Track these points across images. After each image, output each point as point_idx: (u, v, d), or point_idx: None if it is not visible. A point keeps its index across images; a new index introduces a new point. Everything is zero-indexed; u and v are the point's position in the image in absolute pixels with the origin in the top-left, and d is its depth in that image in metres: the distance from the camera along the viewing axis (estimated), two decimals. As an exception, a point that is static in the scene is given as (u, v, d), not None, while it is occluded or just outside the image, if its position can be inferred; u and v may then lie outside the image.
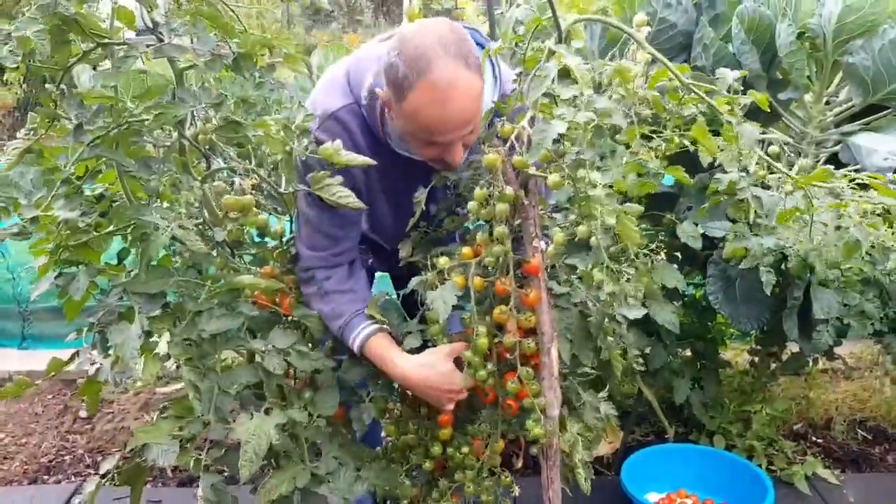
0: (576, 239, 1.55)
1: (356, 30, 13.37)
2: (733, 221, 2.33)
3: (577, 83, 1.40)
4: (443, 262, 1.69)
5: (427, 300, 1.65)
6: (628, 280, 1.50)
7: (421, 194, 1.77)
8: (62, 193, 1.55)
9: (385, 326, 1.82)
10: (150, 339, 1.62)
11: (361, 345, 1.79)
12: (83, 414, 3.54)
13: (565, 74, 1.45)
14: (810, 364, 2.92)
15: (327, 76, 1.83)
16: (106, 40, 1.48)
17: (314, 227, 1.80)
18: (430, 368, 1.72)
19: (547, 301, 1.64)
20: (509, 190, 1.55)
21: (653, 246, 1.63)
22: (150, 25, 1.53)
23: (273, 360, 1.69)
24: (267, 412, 1.64)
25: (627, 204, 1.45)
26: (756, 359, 3.03)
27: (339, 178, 1.69)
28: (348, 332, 1.80)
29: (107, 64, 1.51)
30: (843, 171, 2.08)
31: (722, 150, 1.72)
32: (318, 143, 1.68)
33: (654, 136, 1.58)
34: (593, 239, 1.43)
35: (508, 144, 1.49)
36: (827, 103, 2.69)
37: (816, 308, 2.27)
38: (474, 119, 1.62)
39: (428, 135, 1.61)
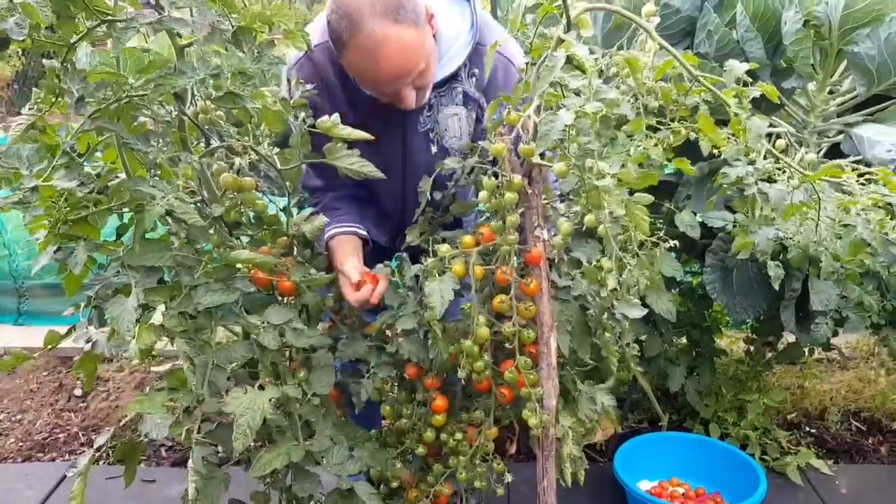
0: (583, 229, 1.54)
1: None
2: (732, 211, 2.31)
3: (583, 72, 1.38)
4: (444, 250, 1.68)
5: (425, 291, 1.65)
6: (630, 271, 1.49)
7: (426, 183, 1.80)
8: (62, 164, 1.55)
9: (361, 232, 1.97)
10: (146, 313, 1.61)
11: (331, 237, 1.94)
12: (78, 392, 3.54)
13: (570, 62, 1.44)
14: (806, 354, 2.92)
15: (317, 18, 1.89)
16: (110, 17, 1.46)
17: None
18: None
19: (548, 291, 1.63)
20: (517, 178, 1.54)
21: (657, 236, 1.62)
22: (153, 1, 1.51)
23: (268, 336, 1.69)
24: (261, 388, 1.64)
25: (637, 194, 1.44)
26: (752, 348, 3.03)
27: (357, 151, 1.71)
28: (328, 230, 1.93)
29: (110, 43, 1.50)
30: (846, 161, 2.06)
31: (728, 141, 1.70)
32: (289, 82, 1.78)
33: (660, 127, 1.56)
34: (601, 228, 1.42)
35: (514, 133, 1.48)
36: (830, 92, 2.67)
37: (815, 300, 2.25)
38: (415, 67, 1.68)
39: (370, 85, 1.72)
